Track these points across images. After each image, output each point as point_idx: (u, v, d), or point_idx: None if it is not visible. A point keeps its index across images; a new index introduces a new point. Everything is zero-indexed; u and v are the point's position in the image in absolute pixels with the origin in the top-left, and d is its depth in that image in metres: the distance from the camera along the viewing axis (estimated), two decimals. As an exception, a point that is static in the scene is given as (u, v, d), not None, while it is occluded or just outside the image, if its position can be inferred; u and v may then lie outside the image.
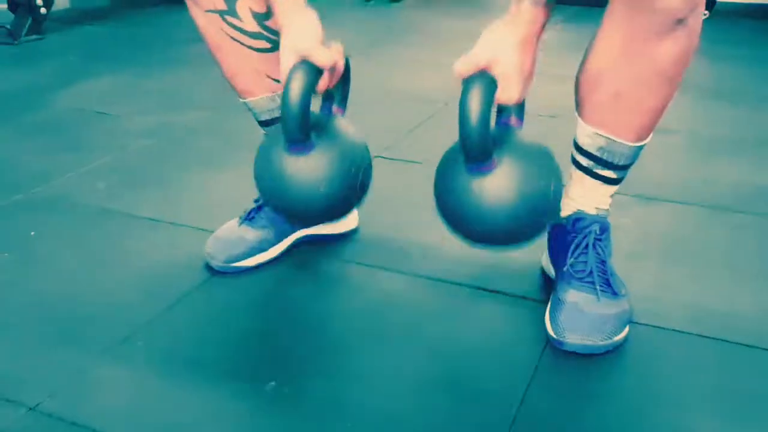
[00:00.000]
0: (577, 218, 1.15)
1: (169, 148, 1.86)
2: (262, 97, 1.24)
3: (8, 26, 2.91)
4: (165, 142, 1.91)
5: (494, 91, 0.94)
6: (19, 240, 1.39)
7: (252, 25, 1.17)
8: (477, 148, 0.94)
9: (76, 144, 1.88)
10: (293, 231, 1.34)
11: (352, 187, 1.10)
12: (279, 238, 1.32)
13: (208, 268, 1.28)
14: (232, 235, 1.30)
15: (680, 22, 0.95)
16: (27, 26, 2.93)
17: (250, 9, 1.16)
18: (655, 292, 1.22)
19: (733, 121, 2.14)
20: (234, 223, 1.33)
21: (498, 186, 0.96)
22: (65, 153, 1.81)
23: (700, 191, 1.63)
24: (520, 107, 1.02)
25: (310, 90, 1.03)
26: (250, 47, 1.18)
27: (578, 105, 1.11)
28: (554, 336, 1.06)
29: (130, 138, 1.92)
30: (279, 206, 1.13)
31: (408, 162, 1.77)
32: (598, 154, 1.10)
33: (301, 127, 1.03)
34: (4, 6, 3.06)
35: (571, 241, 1.14)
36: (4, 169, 1.72)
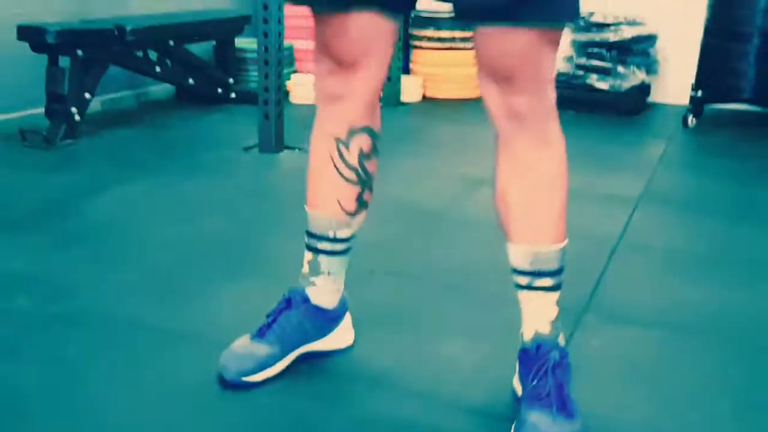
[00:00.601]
0: (539, 344, 1.32)
1: (191, 258, 2.02)
2: (324, 215, 1.46)
3: (44, 132, 3.16)
4: (188, 252, 2.06)
5: None
6: (48, 352, 1.54)
7: (354, 160, 1.41)
8: None
9: (105, 254, 2.05)
10: (297, 347, 1.52)
11: None
12: (284, 354, 1.49)
13: (221, 379, 1.45)
14: (244, 350, 1.47)
15: (545, 138, 1.27)
16: (62, 132, 3.18)
17: (360, 147, 1.41)
18: (610, 412, 1.37)
19: (709, 237, 2.26)
20: (247, 338, 1.50)
21: None
22: (95, 263, 1.98)
23: (667, 312, 1.76)
24: None
25: None
26: (340, 174, 1.42)
27: (502, 229, 1.34)
28: (517, 453, 1.23)
29: (154, 248, 2.09)
30: None
31: (404, 276, 1.92)
32: (531, 267, 1.32)
33: None
34: (40, 110, 3.31)
35: (533, 364, 1.31)
36: (37, 280, 1.86)
